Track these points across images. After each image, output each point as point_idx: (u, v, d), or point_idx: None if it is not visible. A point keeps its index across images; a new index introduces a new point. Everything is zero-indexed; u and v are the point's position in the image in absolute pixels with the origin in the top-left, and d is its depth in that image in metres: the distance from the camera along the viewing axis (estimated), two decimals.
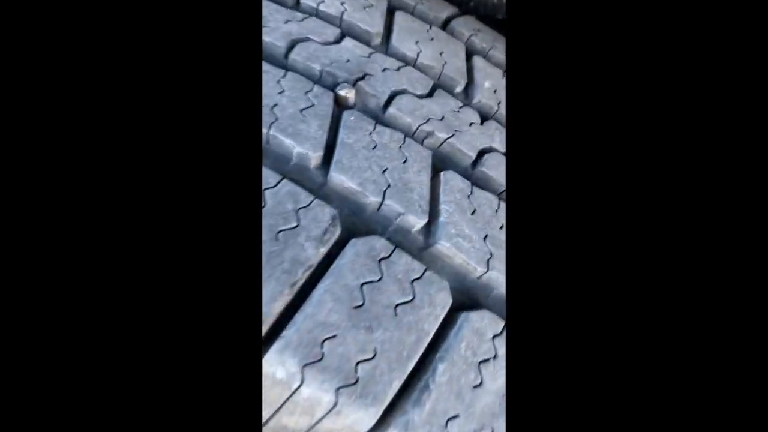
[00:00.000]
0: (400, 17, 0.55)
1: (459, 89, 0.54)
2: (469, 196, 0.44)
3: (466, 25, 0.62)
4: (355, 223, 0.39)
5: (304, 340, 0.33)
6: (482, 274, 0.40)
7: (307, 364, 0.32)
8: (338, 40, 0.49)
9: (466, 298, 0.40)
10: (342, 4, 0.54)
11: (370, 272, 0.36)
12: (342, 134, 0.42)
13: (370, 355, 0.34)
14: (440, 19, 0.61)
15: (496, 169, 0.48)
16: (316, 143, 0.40)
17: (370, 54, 0.49)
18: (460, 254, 0.40)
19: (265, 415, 0.36)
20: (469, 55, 0.58)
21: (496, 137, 0.51)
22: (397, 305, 0.36)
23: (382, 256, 0.38)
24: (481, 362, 0.36)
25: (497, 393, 0.35)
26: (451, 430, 0.34)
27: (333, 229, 0.37)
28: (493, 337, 0.38)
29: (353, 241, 0.37)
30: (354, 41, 0.50)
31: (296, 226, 0.36)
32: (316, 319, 0.33)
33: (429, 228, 0.40)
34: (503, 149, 0.51)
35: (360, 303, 0.35)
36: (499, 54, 0.62)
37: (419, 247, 0.40)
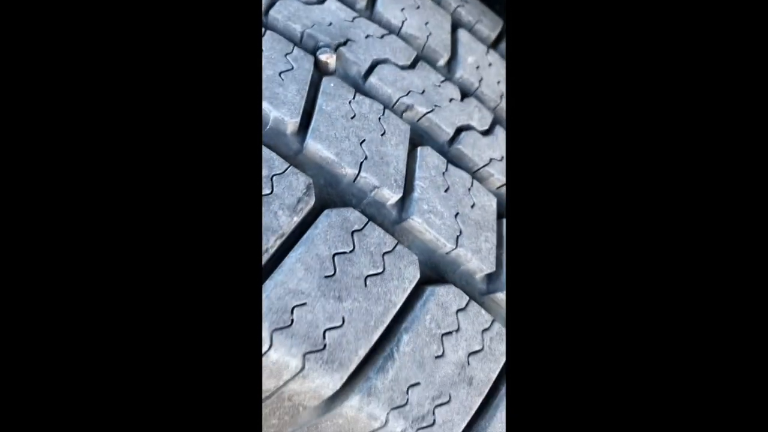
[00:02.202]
0: None
1: (442, 62, 0.53)
2: (443, 173, 0.45)
3: None
4: (330, 193, 0.39)
5: (274, 306, 0.33)
6: (451, 251, 0.41)
7: (276, 329, 0.33)
8: (321, 1, 0.47)
9: (434, 273, 0.41)
10: None
11: (342, 243, 0.36)
12: (321, 101, 0.41)
13: (338, 324, 0.34)
14: None
15: (472, 147, 0.48)
16: (293, 108, 0.39)
17: (354, 18, 0.48)
18: (431, 230, 0.40)
19: None
20: (455, 27, 0.58)
21: (475, 115, 0.51)
22: (367, 277, 0.37)
23: (355, 228, 0.38)
24: (444, 334, 0.38)
25: (457, 363, 0.37)
26: (412, 396, 0.36)
27: (307, 199, 0.37)
28: (457, 311, 0.39)
29: (327, 211, 0.37)
30: (338, 3, 0.48)
31: (270, 193, 0.36)
32: (286, 287, 0.34)
33: (403, 203, 0.41)
34: (481, 127, 0.51)
35: (331, 273, 0.35)
36: (485, 28, 0.61)
37: (392, 221, 0.40)
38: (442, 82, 0.50)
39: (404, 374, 0.35)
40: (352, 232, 0.36)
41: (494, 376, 0.39)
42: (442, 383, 0.36)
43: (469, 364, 0.37)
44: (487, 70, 0.55)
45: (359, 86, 0.45)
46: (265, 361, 0.33)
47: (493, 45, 0.61)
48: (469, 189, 0.44)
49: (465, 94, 0.52)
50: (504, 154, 0.50)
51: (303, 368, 0.32)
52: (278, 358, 0.32)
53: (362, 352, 0.34)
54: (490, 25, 0.62)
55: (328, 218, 0.36)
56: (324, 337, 0.33)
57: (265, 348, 0.32)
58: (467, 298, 0.40)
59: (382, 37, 0.48)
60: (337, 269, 0.35)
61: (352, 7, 0.50)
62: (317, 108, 0.40)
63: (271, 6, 0.45)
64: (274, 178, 0.35)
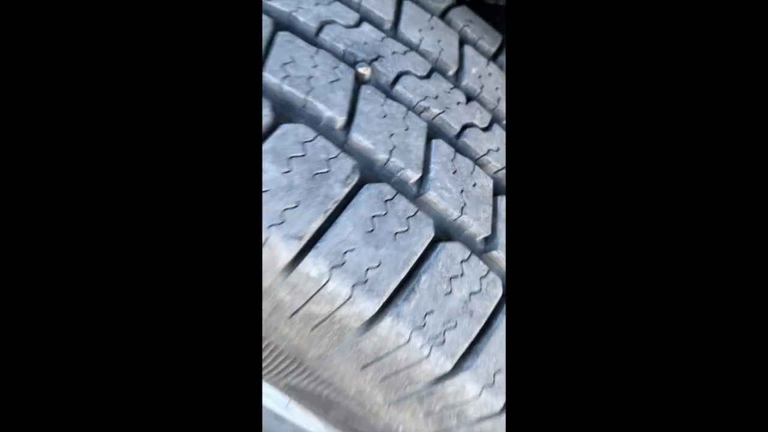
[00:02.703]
0: (407, 6, 0.65)
1: (451, 73, 0.65)
2: (452, 160, 0.57)
3: (460, 16, 0.72)
4: (368, 173, 0.51)
5: (332, 250, 0.45)
6: (457, 218, 0.53)
7: (333, 267, 0.45)
8: (357, 24, 0.59)
9: (444, 234, 0.53)
10: None
11: (378, 208, 0.48)
12: (360, 104, 0.53)
13: (376, 264, 0.46)
14: (440, 8, 0.71)
15: (474, 140, 0.60)
16: (341, 109, 0.51)
17: (383, 38, 0.60)
18: (443, 202, 0.52)
19: (298, 305, 0.48)
20: (461, 43, 0.69)
21: (477, 115, 0.63)
22: (396, 233, 0.49)
23: (387, 198, 0.50)
24: (451, 277, 0.50)
25: (461, 300, 0.49)
26: (428, 321, 0.48)
27: (353, 176, 0.49)
28: (462, 261, 0.51)
29: (367, 185, 0.49)
30: (370, 26, 0.60)
31: (327, 171, 0.47)
32: (340, 237, 0.46)
33: (421, 181, 0.53)
34: (482, 125, 0.63)
35: (370, 229, 0.47)
36: (486, 44, 0.73)
37: (413, 194, 0.53)
38: (452, 89, 0.61)
39: (423, 304, 0.47)
40: (385, 201, 0.48)
41: (489, 311, 0.50)
42: (450, 313, 0.47)
43: (470, 300, 0.49)
44: (488, 78, 0.67)
45: (388, 92, 0.57)
46: (324, 291, 0.45)
47: (493, 57, 0.72)
48: (472, 172, 0.56)
49: (469, 98, 0.64)
50: (500, 146, 0.61)
51: (351, 296, 0.44)
52: (334, 288, 0.44)
53: (393, 286, 0.46)
54: (491, 41, 0.73)
55: (368, 190, 0.48)
56: (366, 274, 0.45)
57: (324, 281, 0.44)
58: (469, 252, 0.51)
59: (404, 53, 0.60)
60: (375, 226, 0.46)
61: (380, 29, 0.61)
62: (358, 109, 0.52)
63: (320, 30, 0.57)
64: (330, 160, 0.47)
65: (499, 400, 0.50)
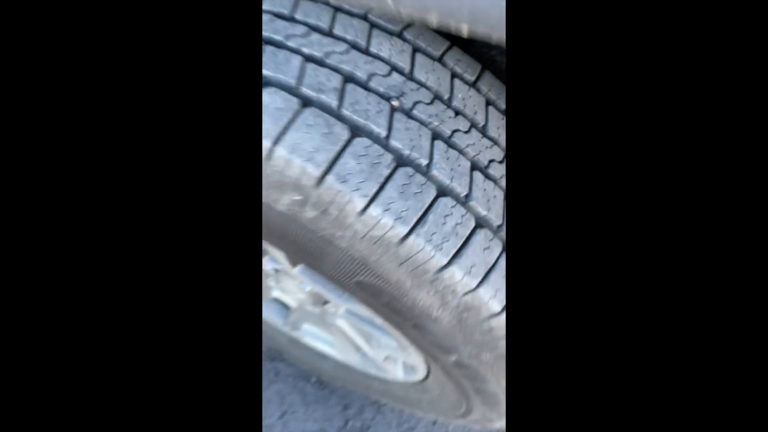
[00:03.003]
0: (418, 56, 1.03)
1: (445, 98, 1.03)
2: (446, 152, 0.95)
3: (452, 57, 1.10)
4: (399, 163, 0.90)
5: (386, 202, 0.85)
6: (448, 184, 0.92)
7: (385, 211, 0.85)
8: (389, 74, 0.98)
9: (442, 193, 0.93)
10: (389, 49, 1.01)
11: (405, 180, 0.88)
12: (394, 123, 0.91)
13: (406, 209, 0.86)
14: (438, 54, 1.09)
15: (459, 139, 0.98)
16: (384, 127, 0.90)
17: (404, 81, 0.98)
18: (440, 175, 0.91)
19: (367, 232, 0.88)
20: (452, 77, 1.07)
21: (461, 124, 1.01)
22: (415, 192, 0.88)
23: (410, 174, 0.89)
24: (446, 215, 0.90)
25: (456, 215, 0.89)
26: (435, 235, 0.88)
27: (392, 163, 0.88)
28: (452, 206, 0.91)
29: (400, 167, 0.89)
30: (397, 73, 0.98)
31: (379, 162, 0.87)
32: (387, 196, 0.85)
33: (428, 164, 0.92)
34: (464, 129, 1.01)
35: (402, 191, 0.87)
36: (468, 75, 1.10)
37: (424, 172, 0.92)
38: (446, 109, 1.00)
39: (431, 228, 0.86)
40: (409, 176, 0.88)
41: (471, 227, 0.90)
42: (447, 221, 0.87)
43: (462, 221, 0.89)
44: (469, 100, 1.05)
45: (409, 115, 0.95)
46: (378, 224, 0.85)
47: (474, 83, 1.10)
48: (457, 158, 0.95)
49: (457, 114, 1.02)
50: (475, 142, 0.99)
51: (392, 225, 0.84)
52: (383, 221, 0.84)
53: (415, 219, 0.85)
54: (471, 71, 1.11)
55: (400, 169, 0.87)
56: (399, 212, 0.85)
57: (379, 219, 0.84)
58: (455, 202, 0.91)
59: (417, 89, 0.99)
60: (404, 189, 0.86)
61: (403, 74, 1.00)
62: (393, 126, 0.91)
63: (369, 79, 0.95)
64: (379, 155, 0.86)
65: (475, 280, 0.89)
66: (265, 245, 1.14)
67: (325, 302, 1.58)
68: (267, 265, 1.46)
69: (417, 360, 1.42)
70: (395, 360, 1.69)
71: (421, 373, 1.54)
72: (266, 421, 1.98)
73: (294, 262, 1.28)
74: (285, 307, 1.94)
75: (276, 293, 1.75)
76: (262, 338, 2.07)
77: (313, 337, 1.94)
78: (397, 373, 1.71)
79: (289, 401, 2.10)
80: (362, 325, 1.46)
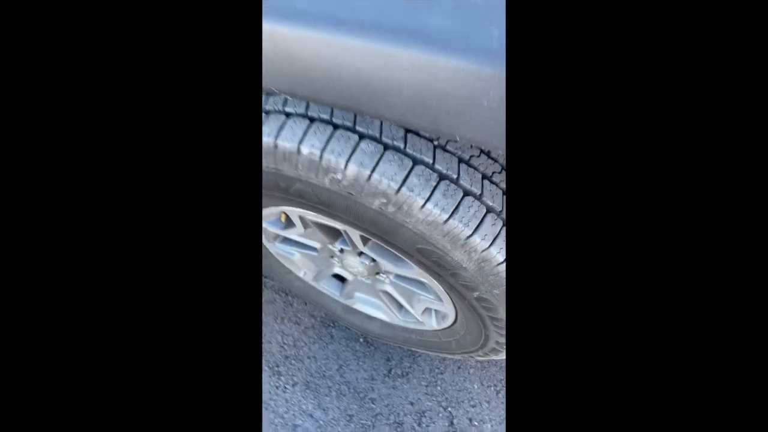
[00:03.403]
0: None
1: None
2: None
3: None
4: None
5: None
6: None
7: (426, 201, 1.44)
8: None
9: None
10: None
11: (427, 176, 1.47)
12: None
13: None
14: None
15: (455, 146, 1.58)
16: (430, 157, 1.50)
17: None
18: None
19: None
20: None
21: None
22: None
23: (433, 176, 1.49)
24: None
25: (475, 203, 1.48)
26: (463, 217, 1.47)
27: (433, 174, 1.47)
28: None
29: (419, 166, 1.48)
30: None
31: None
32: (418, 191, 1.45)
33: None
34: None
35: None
36: None
37: (429, 164, 1.51)
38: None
39: (465, 212, 1.46)
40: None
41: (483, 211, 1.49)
42: (473, 208, 1.47)
43: (479, 203, 1.48)
44: None
45: (444, 149, 1.54)
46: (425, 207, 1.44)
47: None
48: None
49: (471, 146, 1.61)
50: (484, 162, 1.58)
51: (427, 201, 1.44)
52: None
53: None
54: None
55: (419, 170, 1.46)
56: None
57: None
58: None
59: None
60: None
61: None
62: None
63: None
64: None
65: (487, 243, 1.48)
66: (344, 228, 1.56)
67: (377, 273, 2.02)
68: (336, 246, 1.84)
69: (448, 308, 2.00)
70: (430, 313, 2.28)
71: (450, 319, 1.94)
72: (326, 373, 2.59)
73: (366, 242, 1.85)
74: (342, 281, 2.36)
75: (337, 270, 2.09)
76: (322, 307, 2.66)
77: (363, 303, 2.47)
78: (432, 323, 2.07)
79: (343, 357, 2.71)
80: (407, 285, 2.06)
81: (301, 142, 1.17)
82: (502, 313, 1.65)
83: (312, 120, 1.19)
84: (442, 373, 2.63)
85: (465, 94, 0.70)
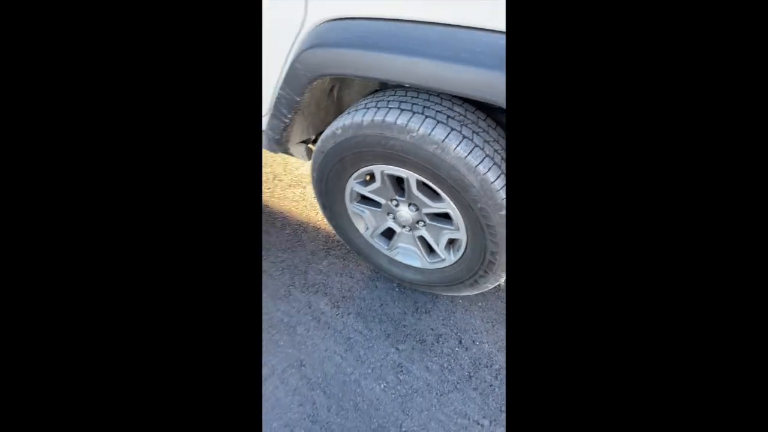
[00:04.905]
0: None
1: None
2: None
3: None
4: None
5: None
6: None
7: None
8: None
9: None
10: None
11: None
12: None
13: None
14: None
15: None
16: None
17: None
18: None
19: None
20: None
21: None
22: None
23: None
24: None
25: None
26: (497, 183, 2.84)
27: None
28: None
29: None
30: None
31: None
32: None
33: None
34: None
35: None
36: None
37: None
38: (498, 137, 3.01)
39: (493, 183, 2.84)
40: None
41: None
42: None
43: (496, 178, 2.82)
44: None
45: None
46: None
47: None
48: None
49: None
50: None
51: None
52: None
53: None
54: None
55: None
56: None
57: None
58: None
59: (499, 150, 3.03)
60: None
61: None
62: None
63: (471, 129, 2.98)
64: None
65: (485, 170, 2.77)
66: (407, 176, 2.22)
67: (418, 221, 2.45)
68: (394, 202, 2.38)
69: (462, 234, 2.32)
70: (449, 249, 2.50)
71: (462, 248, 2.38)
72: (372, 308, 3.44)
73: (418, 186, 2.52)
74: (389, 238, 2.73)
75: (390, 223, 2.56)
76: (371, 261, 2.91)
77: (403, 254, 2.78)
78: (450, 258, 2.49)
79: (384, 299, 3.56)
80: (437, 223, 2.41)
81: (396, 118, 2.06)
82: (493, 220, 2.87)
83: (402, 109, 2.13)
84: (453, 313, 3.41)
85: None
